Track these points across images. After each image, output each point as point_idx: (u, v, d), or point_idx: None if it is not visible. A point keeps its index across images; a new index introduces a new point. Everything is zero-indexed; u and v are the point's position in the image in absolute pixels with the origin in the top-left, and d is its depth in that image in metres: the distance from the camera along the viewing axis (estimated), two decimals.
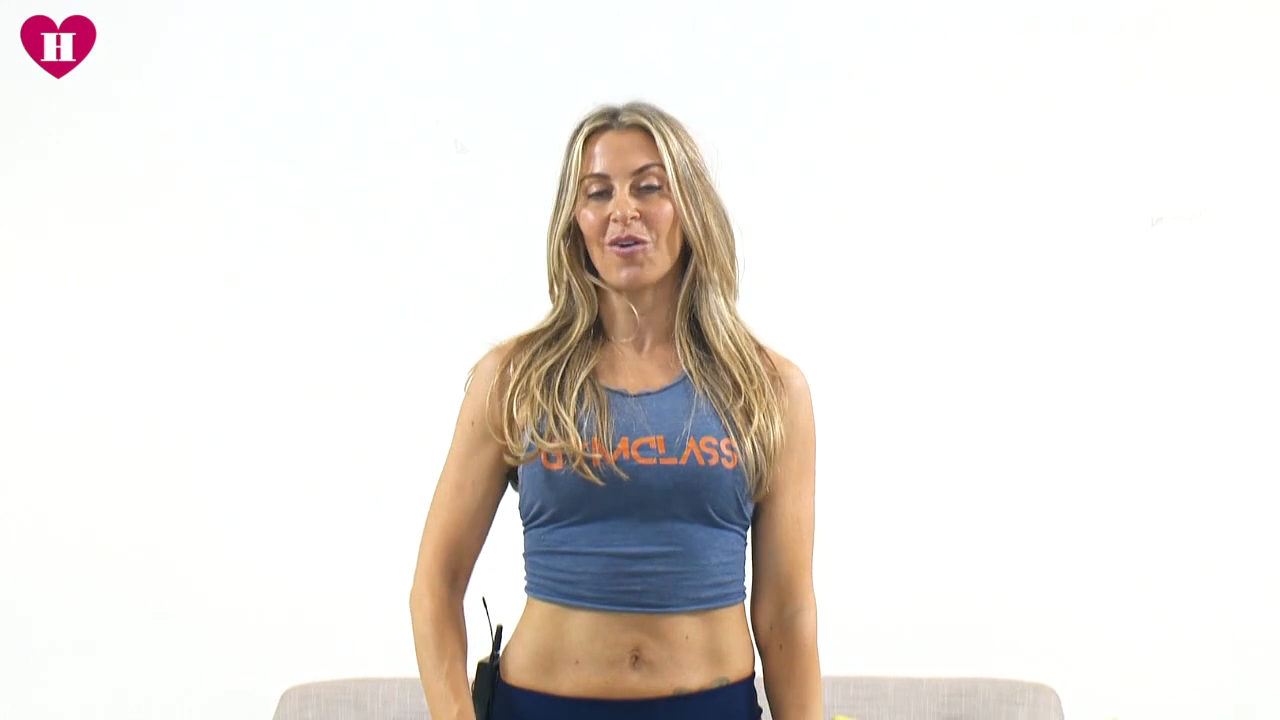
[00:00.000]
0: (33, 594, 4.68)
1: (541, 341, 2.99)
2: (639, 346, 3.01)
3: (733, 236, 3.00)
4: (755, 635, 3.03)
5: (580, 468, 2.88)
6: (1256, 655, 4.53)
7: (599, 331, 3.02)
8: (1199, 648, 4.53)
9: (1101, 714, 4.23)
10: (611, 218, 2.91)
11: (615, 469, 2.88)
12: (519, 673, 2.97)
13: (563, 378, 2.96)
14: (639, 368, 2.99)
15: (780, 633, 3.02)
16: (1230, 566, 4.53)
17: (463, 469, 3.00)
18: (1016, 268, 4.63)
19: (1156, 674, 4.52)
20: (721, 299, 2.98)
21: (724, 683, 2.97)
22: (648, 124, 2.94)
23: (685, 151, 2.95)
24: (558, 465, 2.90)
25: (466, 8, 4.77)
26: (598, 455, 2.89)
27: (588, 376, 2.96)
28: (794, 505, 3.02)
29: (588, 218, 2.93)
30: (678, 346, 2.99)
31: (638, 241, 2.91)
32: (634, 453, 2.90)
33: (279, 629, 4.59)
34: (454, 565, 3.00)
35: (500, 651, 2.99)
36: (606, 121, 2.96)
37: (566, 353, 2.98)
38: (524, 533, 2.97)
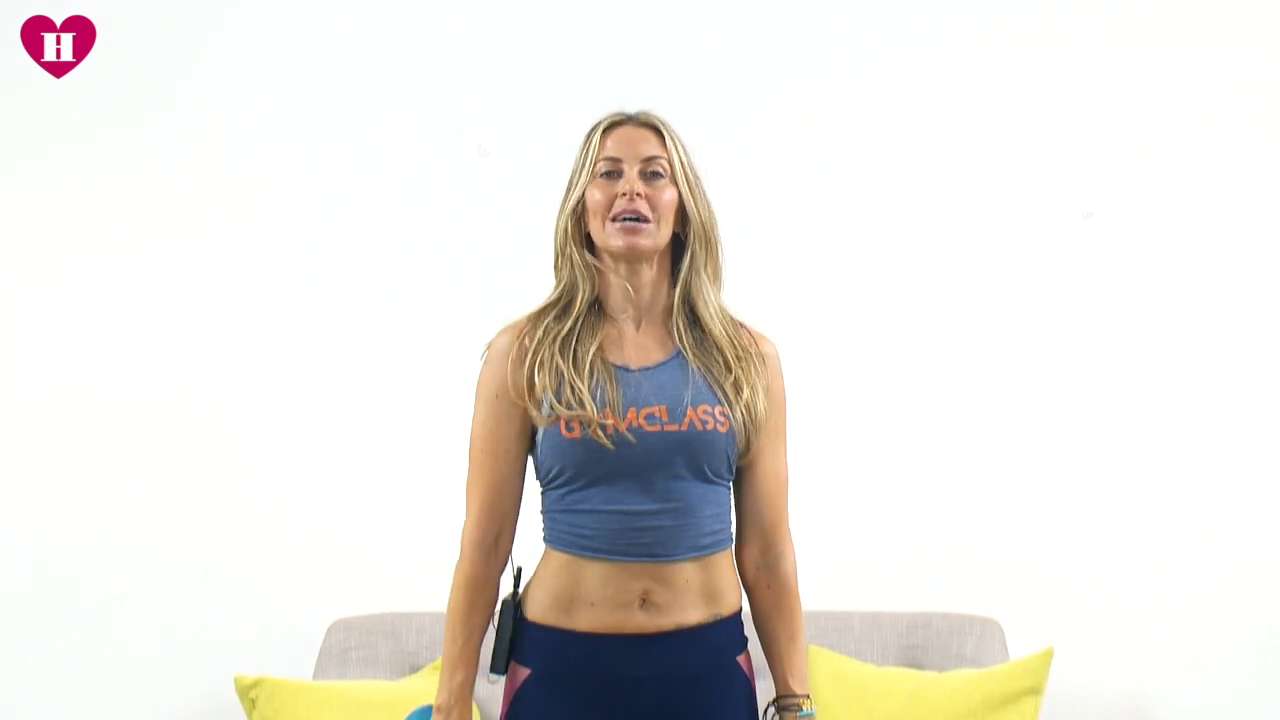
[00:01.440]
0: (102, 543, 4.68)
1: (551, 316, 3.03)
2: (635, 324, 3.05)
3: (718, 232, 3.07)
4: (742, 576, 3.08)
5: (595, 434, 2.92)
6: (1179, 588, 4.61)
7: (599, 308, 3.05)
8: (1126, 586, 4.60)
9: (1039, 643, 4.27)
10: (620, 193, 2.96)
11: (625, 435, 2.93)
12: (541, 613, 3.02)
13: (576, 351, 2.99)
14: (637, 344, 3.03)
15: (766, 573, 3.08)
16: (1152, 515, 4.62)
17: (495, 438, 3.03)
18: (964, 254, 4.69)
19: (1088, 609, 4.57)
20: (708, 285, 3.04)
21: (718, 618, 3.03)
22: (659, 125, 3.01)
23: (688, 156, 3.03)
24: (574, 433, 2.94)
25: (488, 24, 4.78)
26: (610, 423, 2.93)
27: (595, 350, 2.99)
28: (773, 463, 3.06)
29: (595, 195, 2.98)
30: (673, 326, 3.03)
31: (641, 218, 2.95)
32: (641, 420, 2.94)
33: (326, 570, 4.61)
34: (497, 528, 3.04)
35: (520, 590, 3.05)
36: (622, 119, 3.03)
37: (575, 324, 3.01)
38: (542, 493, 3.02)
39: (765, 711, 3.08)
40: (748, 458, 3.02)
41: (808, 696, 3.07)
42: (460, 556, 3.04)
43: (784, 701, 3.06)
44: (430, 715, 3.05)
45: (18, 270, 4.80)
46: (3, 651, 4.65)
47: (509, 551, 3.06)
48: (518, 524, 3.06)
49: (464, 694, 3.04)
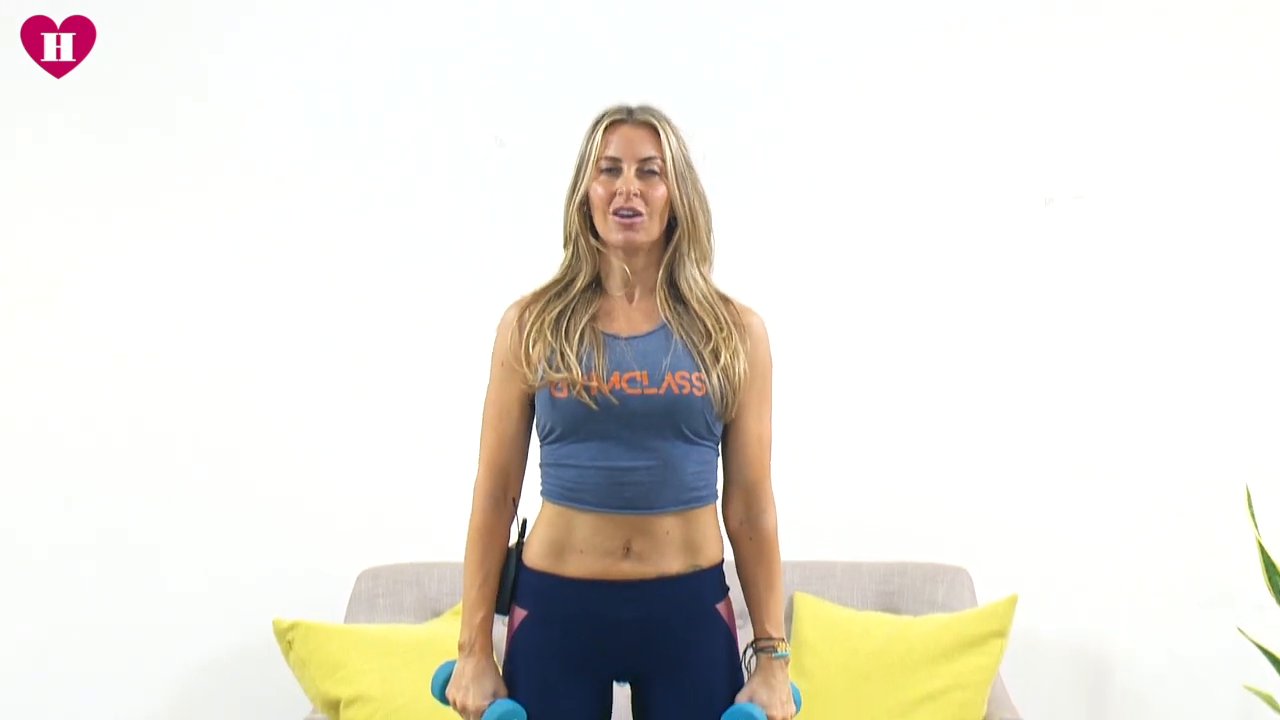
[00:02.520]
0: (150, 497, 4.64)
1: (552, 294, 3.12)
2: (629, 299, 3.12)
3: (710, 216, 3.12)
4: (727, 530, 3.15)
5: (579, 395, 3.01)
6: (1131, 541, 4.62)
7: (598, 285, 3.13)
8: (1083, 539, 4.61)
9: (1004, 590, 4.27)
10: (618, 191, 3.04)
11: (608, 396, 3.01)
12: (536, 559, 3.10)
13: (568, 323, 3.08)
14: (628, 315, 3.11)
15: (748, 527, 3.13)
16: (1107, 476, 4.63)
17: (500, 400, 3.12)
18: (933, 234, 4.67)
19: (1048, 559, 4.59)
20: (695, 267, 3.10)
21: (697, 569, 3.09)
22: (655, 124, 3.08)
23: (681, 149, 3.09)
24: (563, 394, 3.02)
25: (504, 25, 4.71)
26: (594, 385, 3.01)
27: (588, 322, 3.08)
28: (757, 425, 3.11)
29: (598, 190, 3.06)
30: (659, 300, 3.10)
31: (636, 213, 3.03)
32: (623, 384, 3.02)
33: (356, 523, 4.60)
34: (504, 481, 3.12)
35: (524, 539, 3.13)
36: (623, 116, 3.09)
37: (571, 302, 3.10)
38: (540, 448, 3.11)
39: (744, 653, 3.14)
40: (729, 416, 3.08)
41: (783, 639, 3.13)
42: (472, 508, 3.13)
43: (761, 644, 3.12)
44: (509, 713, 3.09)
45: (61, 235, 4.70)
46: (57, 597, 4.61)
47: (517, 502, 3.14)
48: (524, 479, 3.15)
49: (484, 630, 3.13)
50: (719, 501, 3.14)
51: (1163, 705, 4.57)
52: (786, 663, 3.13)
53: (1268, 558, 4.23)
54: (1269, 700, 4.26)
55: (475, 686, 3.10)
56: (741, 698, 3.09)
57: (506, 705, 3.07)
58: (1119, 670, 4.58)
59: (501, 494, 3.12)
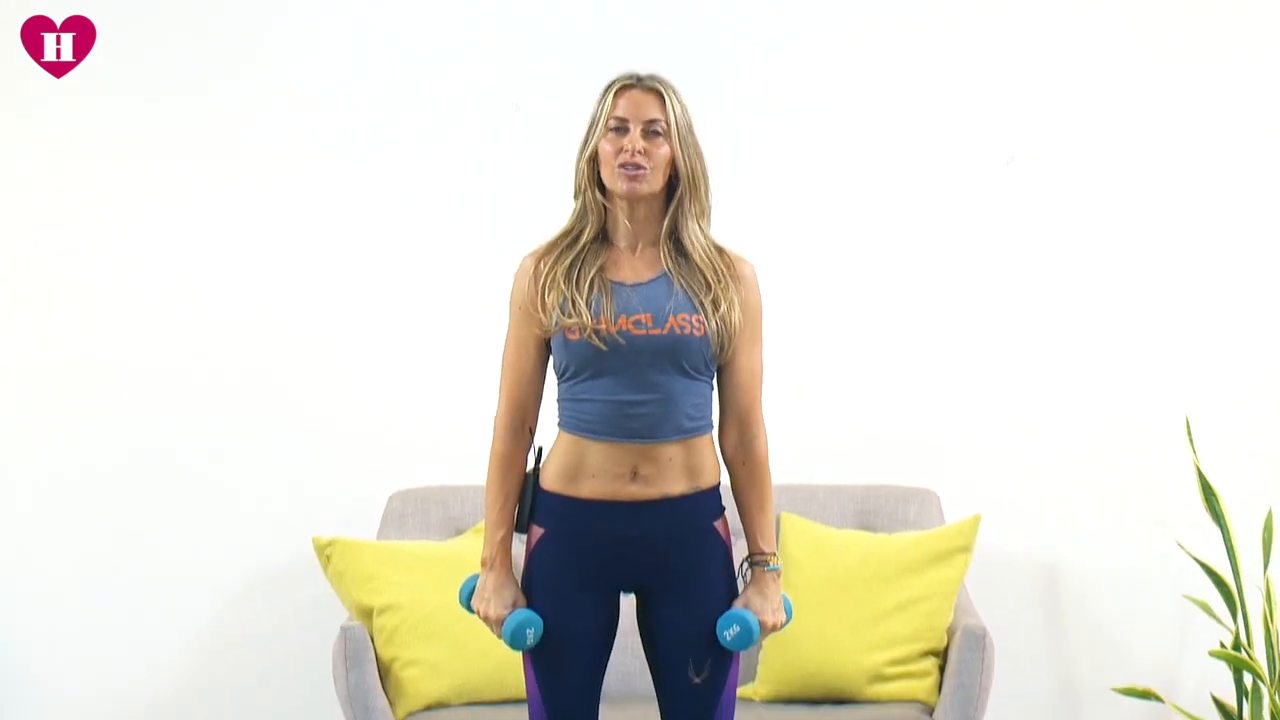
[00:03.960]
0: (198, 421, 4.63)
1: (563, 245, 3.15)
2: (633, 249, 3.15)
3: (708, 176, 3.16)
4: (723, 455, 3.20)
5: (590, 337, 3.06)
6: (1085, 468, 4.65)
7: (605, 238, 3.16)
8: (1041, 465, 4.65)
9: (969, 510, 4.33)
10: (625, 148, 3.07)
11: (615, 337, 3.06)
12: (552, 482, 3.15)
13: (579, 273, 3.11)
14: (633, 264, 3.14)
15: (742, 452, 3.18)
16: (1064, 409, 4.66)
17: (518, 341, 3.16)
18: (904, 190, 4.68)
19: (1009, 483, 4.64)
20: (695, 222, 3.14)
21: (697, 490, 3.14)
22: (661, 90, 3.11)
23: (684, 115, 3.12)
24: (575, 336, 3.07)
25: None
26: (603, 328, 3.05)
27: (597, 271, 3.11)
28: (749, 361, 3.16)
29: (606, 148, 3.09)
30: (661, 251, 3.14)
31: (640, 167, 3.07)
32: (630, 325, 3.07)
33: (387, 450, 4.61)
34: (521, 414, 3.17)
35: (540, 465, 3.18)
36: (632, 82, 3.12)
37: (580, 253, 3.13)
38: (557, 385, 3.16)
39: (739, 566, 3.20)
40: (725, 357, 3.12)
41: (774, 553, 3.19)
42: (494, 438, 3.19)
43: (754, 558, 3.18)
44: (526, 623, 3.12)
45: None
46: (110, 514, 4.61)
47: (533, 433, 3.19)
48: (540, 411, 3.19)
49: (504, 548, 3.18)
50: (715, 430, 3.17)
51: (1109, 612, 4.63)
52: (778, 575, 3.18)
53: (1204, 481, 4.28)
54: (1204, 607, 4.31)
55: (496, 598, 3.14)
56: (737, 605, 3.14)
57: (524, 614, 3.12)
58: (1070, 581, 4.64)
59: (520, 425, 3.17)
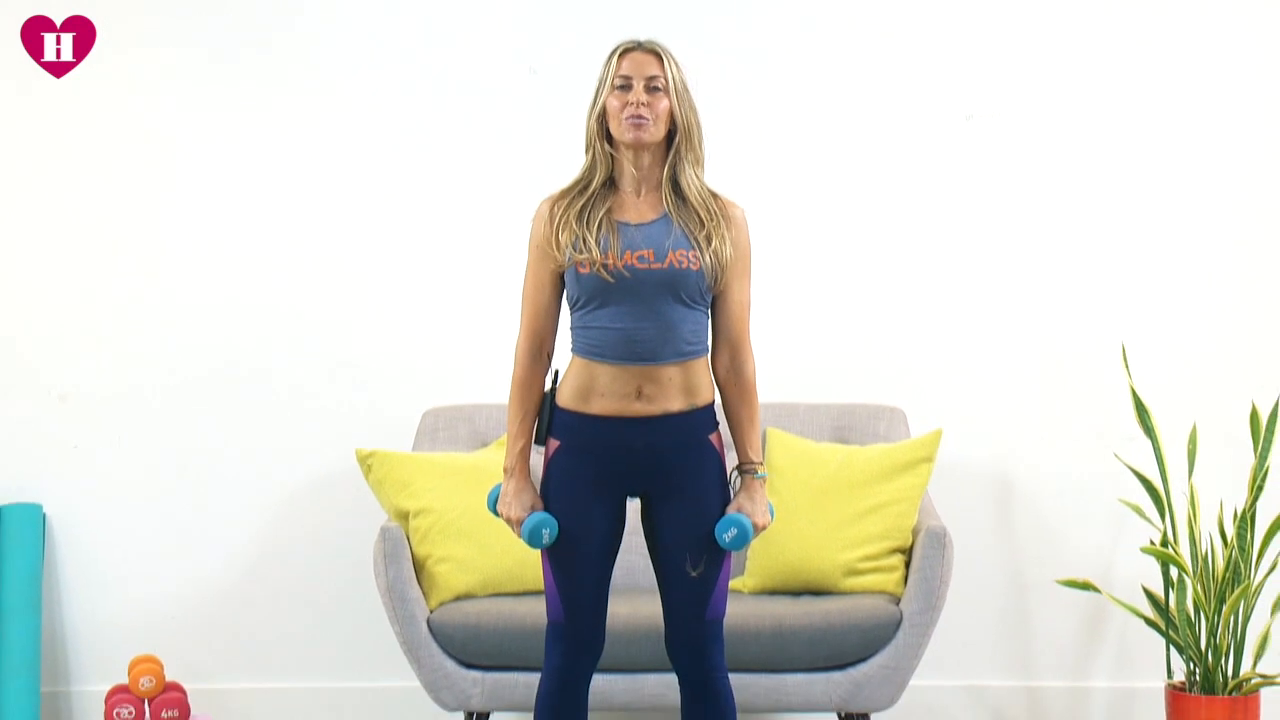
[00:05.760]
0: (257, 346, 4.60)
1: (575, 191, 3.23)
2: (637, 194, 3.22)
3: (701, 128, 3.22)
4: (715, 377, 3.29)
5: (599, 271, 3.13)
6: (1034, 387, 4.62)
7: (612, 184, 3.23)
8: (996, 386, 4.63)
9: (931, 425, 4.37)
10: (629, 102, 3.14)
11: (621, 271, 3.13)
12: (567, 401, 3.23)
13: (589, 214, 3.18)
14: (637, 207, 3.21)
15: (733, 375, 3.26)
16: (1016, 336, 4.62)
17: (535, 277, 3.24)
18: (873, 140, 4.63)
19: (967, 402, 4.61)
20: (691, 169, 3.21)
21: (694, 407, 3.22)
22: (659, 53, 3.20)
23: (679, 74, 3.21)
24: (586, 270, 3.14)
25: None
26: (610, 262, 3.12)
27: (605, 213, 3.18)
28: (739, 293, 3.24)
29: (613, 103, 3.17)
30: (663, 195, 3.20)
31: (643, 118, 3.14)
32: (634, 260, 3.14)
33: (422, 371, 4.59)
34: (539, 341, 3.24)
35: (556, 385, 3.25)
36: (634, 46, 3.20)
37: (590, 197, 3.20)
38: (570, 314, 3.25)
39: (730, 475, 3.29)
40: (718, 288, 3.20)
41: (761, 463, 3.29)
42: (515, 363, 3.27)
43: (744, 467, 3.28)
44: (541, 524, 3.17)
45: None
46: (180, 428, 4.60)
47: (550, 357, 3.27)
48: (555, 339, 3.27)
49: (524, 457, 3.26)
50: (709, 355, 3.25)
51: (1054, 514, 4.64)
52: (764, 482, 3.27)
53: (1138, 400, 4.32)
54: (1137, 510, 4.37)
55: (516, 501, 3.23)
56: (730, 509, 3.22)
57: (540, 516, 3.21)
58: (1020, 487, 4.65)
59: (538, 351, 3.24)
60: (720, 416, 3.26)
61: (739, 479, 3.24)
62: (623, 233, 3.14)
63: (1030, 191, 4.65)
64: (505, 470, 3.23)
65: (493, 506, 3.27)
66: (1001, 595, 4.64)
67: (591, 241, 3.11)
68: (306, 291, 4.65)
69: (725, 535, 3.16)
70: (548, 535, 3.16)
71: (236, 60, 4.60)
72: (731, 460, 3.26)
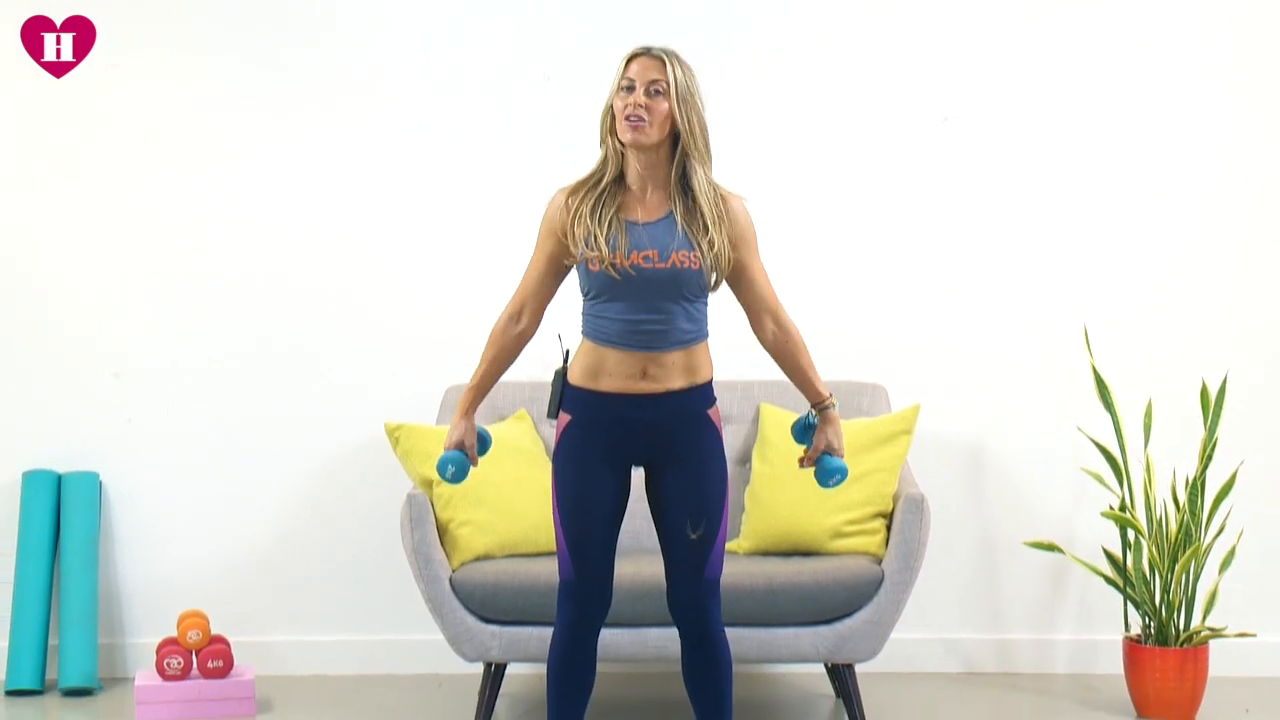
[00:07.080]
0: (297, 325, 4.59)
1: (588, 186, 3.25)
2: (644, 192, 3.24)
3: (706, 131, 3.21)
4: (766, 345, 3.29)
5: (607, 269, 3.17)
6: (1005, 368, 4.61)
7: (622, 180, 3.23)
8: (969, 365, 4.63)
9: (910, 401, 4.40)
10: (629, 103, 3.15)
11: (628, 269, 3.17)
12: (578, 379, 3.27)
13: (600, 212, 3.19)
14: (644, 205, 3.23)
15: (783, 335, 3.28)
16: (990, 319, 4.63)
17: (537, 254, 3.29)
18: (857, 136, 4.61)
19: (944, 379, 4.61)
20: (700, 168, 3.20)
21: (694, 385, 3.26)
22: (665, 58, 3.19)
23: (685, 79, 3.19)
24: (596, 267, 3.19)
25: None
26: (619, 261, 3.16)
27: (615, 212, 3.20)
28: (758, 271, 3.27)
29: (617, 104, 3.20)
30: (670, 194, 3.21)
31: (640, 119, 3.14)
32: (640, 260, 3.17)
33: (444, 350, 4.52)
34: (520, 307, 3.28)
35: (568, 364, 3.28)
36: (642, 52, 3.21)
37: (602, 194, 3.22)
38: (582, 301, 3.29)
39: (808, 413, 3.32)
40: (716, 285, 3.22)
41: (831, 396, 3.32)
42: (497, 318, 3.32)
43: (817, 406, 3.31)
44: (449, 460, 3.24)
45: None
46: (223, 400, 4.60)
47: (529, 325, 3.29)
48: (540, 312, 3.28)
49: (472, 400, 3.27)
50: (750, 326, 3.27)
51: (1022, 481, 4.66)
52: (837, 411, 3.34)
53: (1099, 377, 4.36)
54: (1097, 478, 4.40)
55: (449, 436, 3.32)
56: (818, 443, 3.29)
57: (451, 454, 3.27)
58: (991, 457, 4.68)
59: (518, 314, 3.28)
60: (720, 393, 3.30)
61: (817, 416, 3.28)
62: (630, 232, 3.15)
63: (1001, 188, 4.67)
64: (459, 407, 3.30)
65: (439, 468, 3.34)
66: (974, 556, 4.67)
67: (601, 240, 3.13)
68: (340, 277, 4.67)
69: (830, 482, 3.26)
70: (451, 472, 3.25)
71: (281, 65, 4.56)
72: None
